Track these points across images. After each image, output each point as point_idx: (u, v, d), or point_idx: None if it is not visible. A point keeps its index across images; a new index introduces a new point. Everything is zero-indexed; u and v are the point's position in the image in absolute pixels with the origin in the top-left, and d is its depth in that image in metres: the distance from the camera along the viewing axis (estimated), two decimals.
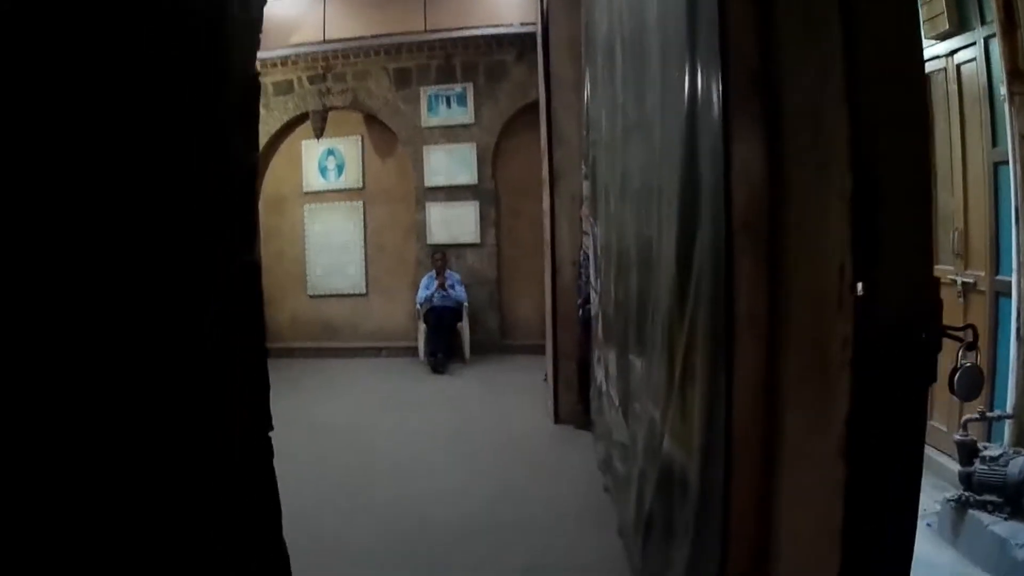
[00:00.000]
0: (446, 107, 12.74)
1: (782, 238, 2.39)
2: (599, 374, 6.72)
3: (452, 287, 12.13)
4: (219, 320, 1.86)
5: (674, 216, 3.24)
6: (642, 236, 4.17)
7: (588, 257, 7.44)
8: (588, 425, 7.78)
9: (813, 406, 2.13)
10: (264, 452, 2.21)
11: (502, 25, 12.39)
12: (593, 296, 7.12)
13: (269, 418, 2.23)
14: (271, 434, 2.21)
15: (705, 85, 2.76)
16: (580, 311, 7.96)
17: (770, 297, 2.44)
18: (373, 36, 12.73)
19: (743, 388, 2.50)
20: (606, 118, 5.83)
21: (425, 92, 12.76)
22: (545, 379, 9.16)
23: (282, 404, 8.93)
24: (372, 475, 7.20)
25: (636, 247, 4.42)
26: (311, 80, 13.11)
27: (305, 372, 11.90)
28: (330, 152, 13.48)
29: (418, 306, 12.21)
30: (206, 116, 1.82)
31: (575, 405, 8.24)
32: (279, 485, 2.23)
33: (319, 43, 12.90)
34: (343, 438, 8.41)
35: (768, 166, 2.42)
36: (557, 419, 8.45)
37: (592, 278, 7.12)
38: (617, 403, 5.36)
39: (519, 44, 12.06)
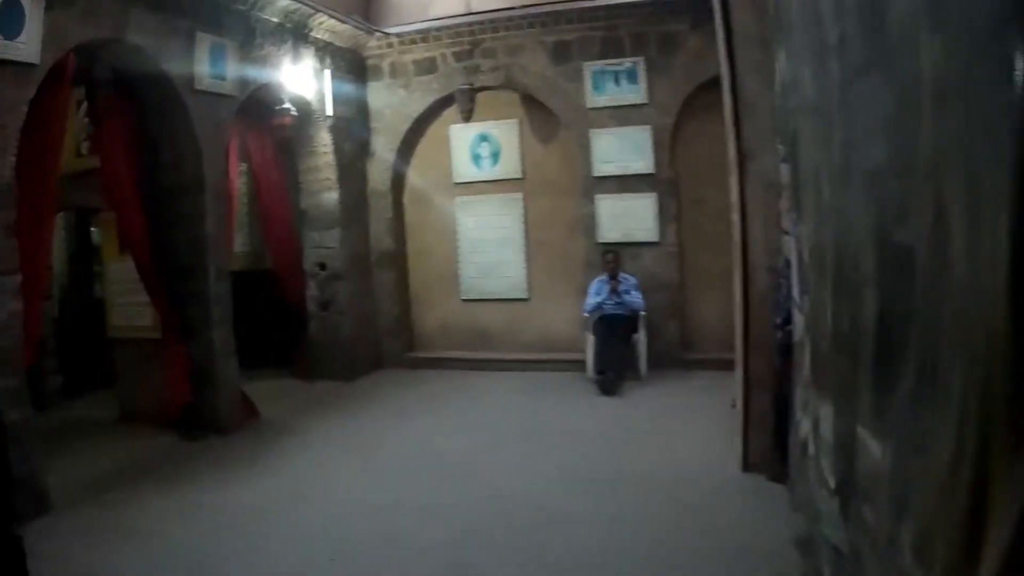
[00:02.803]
0: (614, 84, 11.52)
1: None
2: (804, 424, 5.13)
3: (627, 292, 10.99)
4: None
5: (1001, 208, 1.60)
6: (889, 238, 2.58)
7: (789, 264, 5.88)
8: (783, 477, 6.32)
9: None
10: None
11: None
12: (797, 316, 5.50)
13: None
14: None
15: None
16: (779, 332, 6.46)
17: None
18: (525, 6, 11.79)
19: None
20: (811, 70, 4.14)
21: (589, 68, 11.62)
22: (733, 405, 8.13)
23: (409, 426, 9.26)
24: (492, 536, 6.13)
25: (876, 255, 2.82)
26: (457, 57, 12.31)
27: (451, 387, 11.30)
28: (483, 138, 12.59)
29: (586, 314, 11.19)
30: None
31: (769, 451, 6.78)
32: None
33: (464, 15, 12.11)
34: (468, 480, 7.43)
35: None
36: (746, 465, 7.07)
37: (795, 292, 5.51)
38: (832, 485, 3.83)
39: (692, 11, 10.80)
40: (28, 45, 6.68)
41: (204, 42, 8.97)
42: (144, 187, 9.04)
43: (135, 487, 7.46)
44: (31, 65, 6.77)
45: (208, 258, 9.18)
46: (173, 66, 8.66)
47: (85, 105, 9.27)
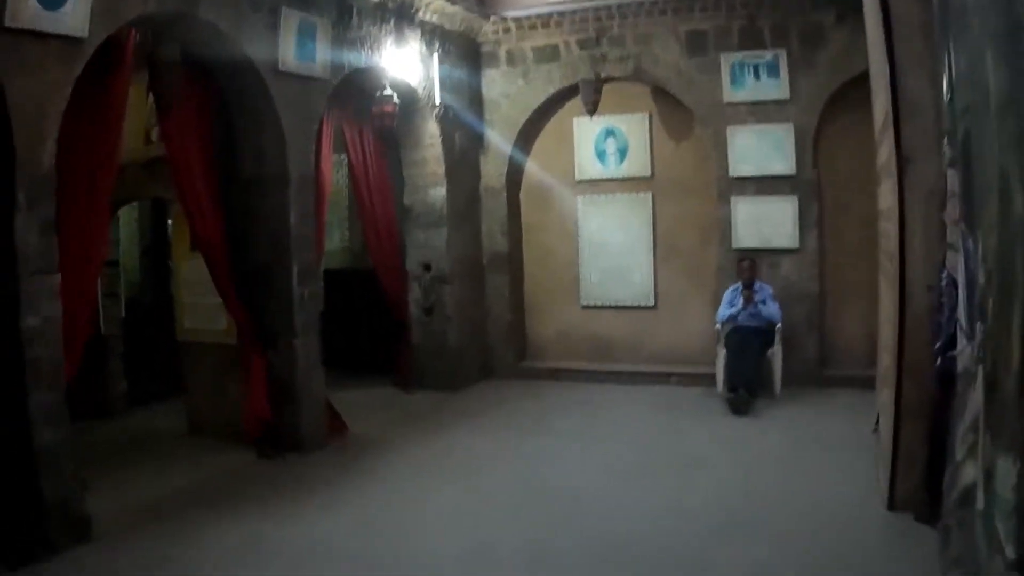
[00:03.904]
0: (753, 78, 10.85)
1: None
2: (969, 470, 4.37)
3: (763, 302, 10.32)
4: None
5: None
6: None
7: (954, 283, 5.13)
8: (932, 519, 5.60)
9: None
10: None
11: None
12: (963, 343, 4.72)
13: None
14: None
15: None
16: (938, 359, 5.72)
17: None
18: None
19: None
20: (997, 58, 3.31)
21: (727, 60, 10.93)
22: (875, 430, 7.59)
23: (516, 448, 8.62)
24: None
25: None
26: (581, 44, 11.64)
27: (566, 402, 10.60)
28: (610, 132, 11.94)
29: (718, 325, 10.59)
30: None
31: (919, 490, 6.07)
32: None
33: (589, 0, 11.43)
34: (581, 518, 6.57)
35: None
36: (891, 503, 6.34)
37: (962, 315, 4.75)
38: (1010, 556, 3.12)
39: (837, 2, 10.24)
40: (74, 17, 6.02)
41: (291, 19, 8.32)
42: (220, 179, 8.45)
43: (192, 514, 6.82)
44: (77, 40, 6.14)
45: (291, 257, 8.51)
46: (254, 46, 8.00)
47: None
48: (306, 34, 8.49)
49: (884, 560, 5.51)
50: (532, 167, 12.33)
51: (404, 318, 11.47)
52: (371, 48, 9.64)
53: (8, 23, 5.60)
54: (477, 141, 11.97)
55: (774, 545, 5.80)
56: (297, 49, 8.41)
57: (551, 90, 11.82)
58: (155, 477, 7.85)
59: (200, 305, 9.14)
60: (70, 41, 6.06)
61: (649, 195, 11.80)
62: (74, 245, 6.37)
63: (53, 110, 6.02)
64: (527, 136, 12.15)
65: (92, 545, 6.14)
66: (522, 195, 12.41)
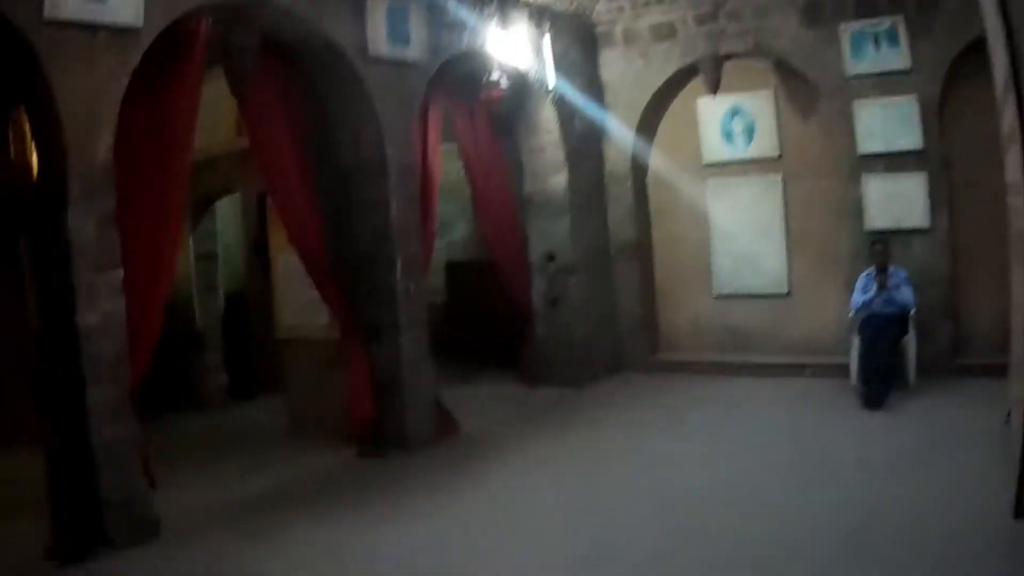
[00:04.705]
0: (874, 48, 10.28)
1: None
2: None
3: (897, 287, 9.78)
4: None
5: None
6: None
7: None
8: None
9: None
10: None
11: None
12: None
13: None
14: None
15: None
16: None
17: None
18: None
19: None
20: None
21: (846, 30, 10.37)
22: (1007, 422, 6.98)
23: (641, 447, 8.17)
24: None
25: None
26: (698, 20, 11.18)
27: (697, 397, 10.17)
28: (735, 112, 11.54)
29: (851, 313, 10.04)
30: None
31: None
32: None
33: None
34: (705, 527, 6.09)
35: None
36: (1019, 510, 5.76)
37: None
38: None
39: None
40: (126, 6, 5.91)
41: (379, 3, 8.09)
42: (316, 168, 8.28)
43: (275, 515, 6.64)
44: (131, 29, 6.02)
45: (394, 249, 8.31)
46: (339, 30, 7.80)
47: None
48: (398, 17, 8.27)
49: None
50: (657, 151, 11.96)
51: (528, 311, 11.20)
52: (472, 31, 9.33)
53: (48, 14, 5.52)
54: (598, 126, 11.60)
55: (892, 566, 5.27)
56: (388, 33, 8.19)
57: (671, 70, 11.41)
58: (245, 474, 7.74)
59: (300, 299, 9.01)
60: (122, 31, 5.95)
61: (779, 176, 11.38)
62: (142, 238, 6.27)
63: (107, 101, 5.93)
64: (650, 119, 11.75)
65: (155, 544, 6.03)
66: (649, 180, 12.06)
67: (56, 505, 5.87)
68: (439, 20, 8.84)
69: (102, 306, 5.83)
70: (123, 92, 5.99)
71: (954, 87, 10.11)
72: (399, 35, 8.30)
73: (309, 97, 8.29)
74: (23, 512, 6.45)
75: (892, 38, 10.14)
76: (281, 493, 7.23)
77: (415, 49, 8.50)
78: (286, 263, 9.05)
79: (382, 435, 8.21)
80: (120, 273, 5.97)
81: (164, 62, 6.43)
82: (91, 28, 5.77)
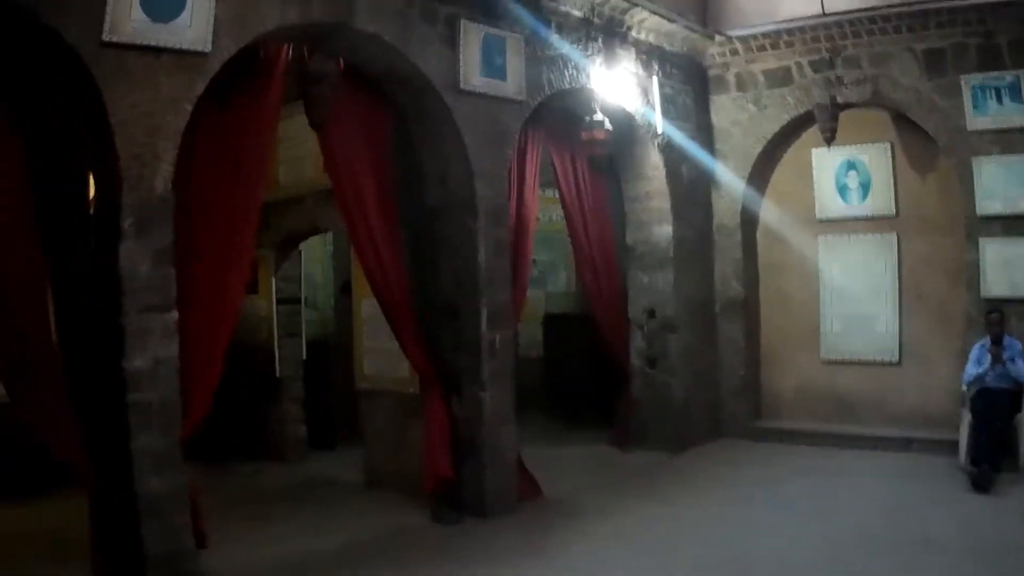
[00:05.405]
0: (995, 102, 9.84)
1: None
2: None
3: (1011, 360, 9.20)
4: None
5: None
6: None
7: None
8: None
9: None
10: None
11: None
12: None
13: None
14: None
15: None
16: None
17: None
18: (887, 5, 10.17)
19: None
20: None
21: (967, 82, 9.95)
22: None
23: (733, 521, 7.70)
24: None
25: None
26: (814, 67, 10.84)
27: (798, 469, 9.56)
28: (851, 165, 11.11)
29: (964, 386, 9.52)
30: None
31: None
32: None
33: (819, 16, 10.53)
34: None
35: None
36: None
37: None
38: None
39: None
40: (193, 30, 5.65)
41: (472, 33, 7.78)
42: (398, 207, 7.94)
43: None
44: (197, 53, 5.73)
45: (480, 297, 7.89)
46: (428, 61, 7.47)
47: None
48: (493, 50, 7.95)
49: None
50: (768, 203, 11.55)
51: (625, 368, 10.73)
52: (576, 68, 8.98)
53: (107, 36, 5.27)
54: (706, 174, 11.20)
55: None
56: (483, 66, 7.88)
57: (785, 117, 11.09)
58: (311, 530, 7.43)
59: (380, 349, 8.67)
60: (188, 55, 5.69)
61: (894, 236, 10.90)
62: (204, 279, 5.99)
63: (168, 129, 5.64)
64: (762, 169, 11.39)
65: None
66: (759, 234, 11.62)
67: (98, 556, 5.63)
68: (539, 54, 8.50)
69: (152, 350, 5.51)
70: (186, 121, 5.71)
71: None
72: (494, 68, 7.96)
73: (394, 130, 7.97)
74: (67, 561, 6.17)
75: (1015, 92, 9.72)
76: (344, 552, 6.86)
77: (511, 83, 8.15)
78: (369, 309, 8.69)
79: (459, 496, 7.80)
80: (174, 315, 5.64)
81: (236, 90, 6.15)
82: (154, 51, 5.49)
